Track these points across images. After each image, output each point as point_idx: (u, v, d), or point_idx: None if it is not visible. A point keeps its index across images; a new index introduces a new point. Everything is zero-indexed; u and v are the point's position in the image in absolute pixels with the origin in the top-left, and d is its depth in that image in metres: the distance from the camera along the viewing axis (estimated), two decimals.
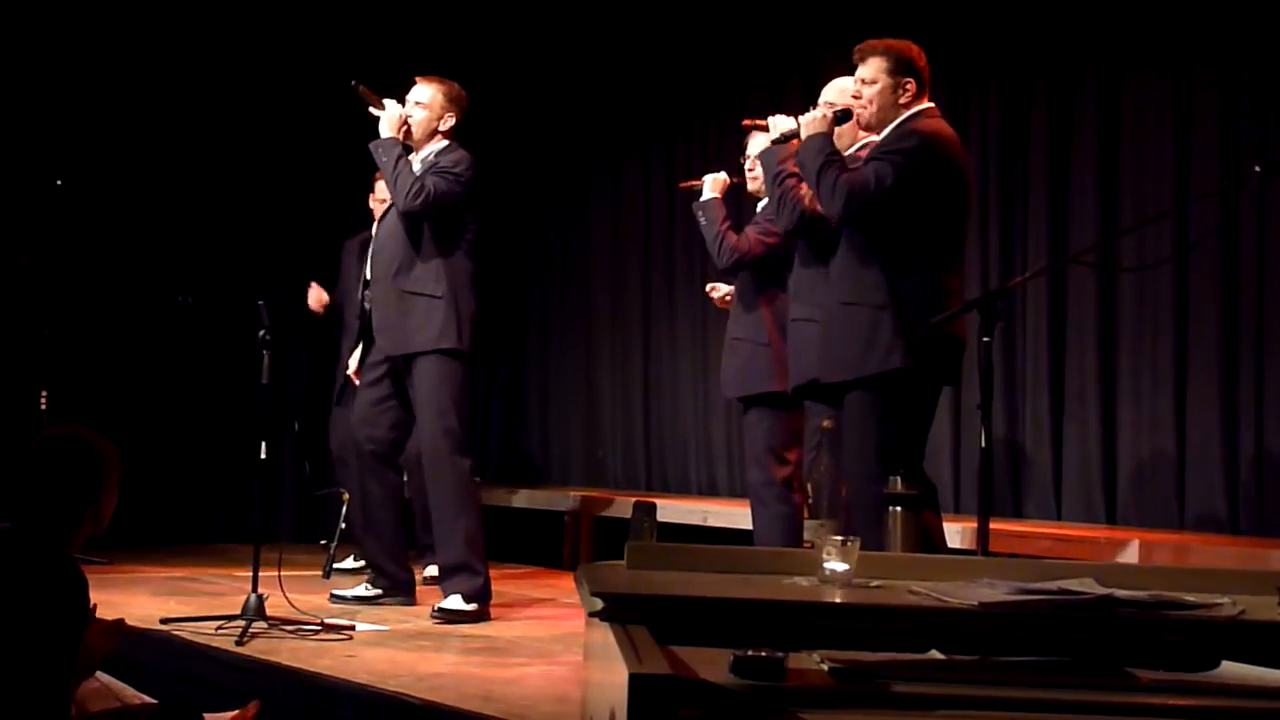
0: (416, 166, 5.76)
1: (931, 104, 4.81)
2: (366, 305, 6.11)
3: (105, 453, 3.41)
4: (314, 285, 7.55)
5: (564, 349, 9.43)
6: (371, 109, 5.79)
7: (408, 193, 5.63)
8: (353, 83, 5.78)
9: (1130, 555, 5.56)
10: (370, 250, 6.02)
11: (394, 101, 5.79)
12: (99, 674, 3.57)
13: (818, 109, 4.95)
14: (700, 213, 5.76)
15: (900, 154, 4.65)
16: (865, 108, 4.80)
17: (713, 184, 5.81)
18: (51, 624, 3.15)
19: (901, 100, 4.75)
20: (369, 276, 6.02)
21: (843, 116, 4.91)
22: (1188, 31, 6.48)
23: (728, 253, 5.64)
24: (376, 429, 5.92)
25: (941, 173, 4.68)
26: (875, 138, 5.05)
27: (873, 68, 4.78)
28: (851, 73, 5.10)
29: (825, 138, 4.82)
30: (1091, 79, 6.81)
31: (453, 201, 5.70)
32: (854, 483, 4.80)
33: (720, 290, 6.00)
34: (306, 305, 7.62)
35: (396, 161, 5.67)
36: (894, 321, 4.60)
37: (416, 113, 5.79)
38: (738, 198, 6.03)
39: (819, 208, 4.94)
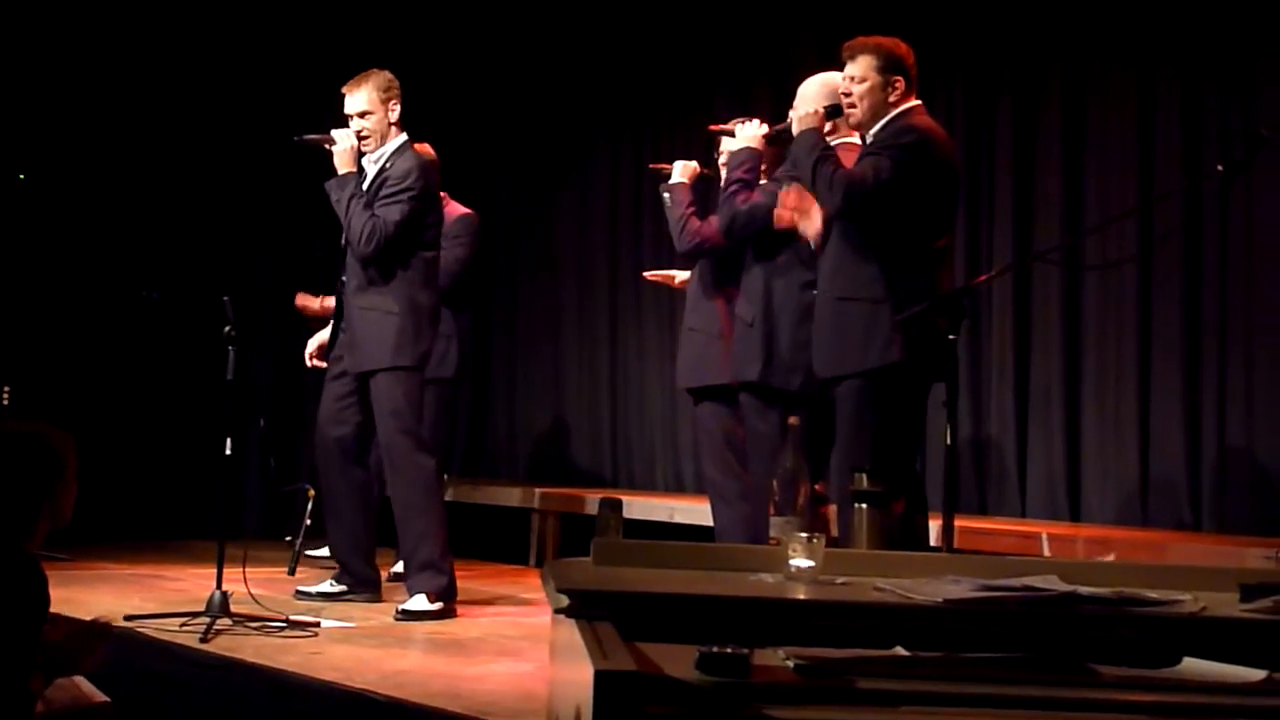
0: (374, 168, 5.76)
1: (919, 102, 4.82)
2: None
3: (60, 446, 3.38)
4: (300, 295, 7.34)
5: (530, 345, 9.42)
6: (325, 147, 5.79)
7: (360, 239, 5.66)
8: (295, 139, 5.83)
9: (1093, 552, 5.59)
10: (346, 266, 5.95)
11: (342, 131, 5.79)
12: None
13: (805, 107, 4.96)
14: (667, 195, 5.79)
15: (898, 149, 4.67)
16: (854, 105, 4.81)
17: (683, 169, 5.84)
18: (11, 621, 3.12)
19: (890, 98, 4.77)
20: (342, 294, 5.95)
21: (832, 112, 4.93)
22: (1152, 31, 6.51)
23: (689, 236, 5.67)
24: (341, 426, 5.91)
25: (936, 169, 4.71)
26: (851, 140, 5.07)
27: (862, 65, 4.79)
28: (820, 69, 5.12)
29: (817, 133, 4.84)
30: (1056, 78, 6.84)
31: (408, 223, 5.70)
32: (843, 476, 4.78)
33: (656, 274, 6.24)
34: (277, 304, 7.55)
35: (349, 204, 5.68)
36: (891, 316, 4.61)
37: (367, 123, 5.77)
38: (705, 190, 6.06)
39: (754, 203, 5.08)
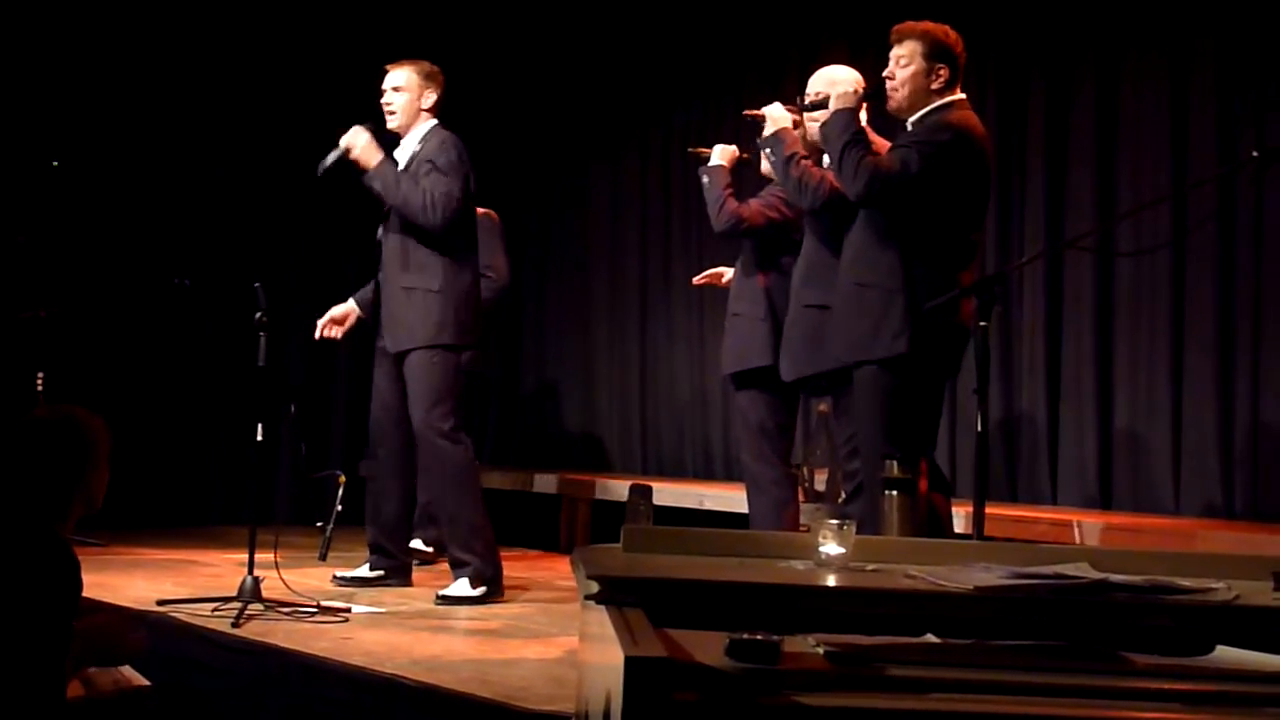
0: (406, 153, 5.78)
1: (963, 95, 4.78)
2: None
3: (92, 430, 3.40)
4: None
5: (561, 332, 9.43)
6: (348, 156, 5.79)
7: (423, 210, 5.65)
8: (319, 174, 5.82)
9: (1126, 540, 5.56)
10: (383, 246, 5.93)
11: (355, 128, 5.80)
12: None
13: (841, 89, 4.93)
14: (705, 176, 5.78)
15: (931, 145, 4.63)
16: (896, 89, 4.79)
17: (722, 153, 5.82)
18: (43, 606, 3.14)
19: (933, 86, 4.73)
20: (382, 272, 5.92)
21: (869, 95, 4.91)
22: (1186, 17, 6.47)
23: (727, 216, 5.64)
24: (386, 419, 5.95)
25: (969, 168, 4.67)
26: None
27: (908, 49, 4.76)
28: (850, 53, 5.10)
29: (852, 114, 4.81)
30: (1089, 62, 6.80)
31: (465, 194, 5.74)
32: (866, 464, 4.79)
33: (703, 277, 6.18)
34: (309, 290, 7.53)
35: (397, 184, 5.69)
36: (905, 306, 4.60)
37: (397, 98, 5.84)
38: (742, 175, 6.05)
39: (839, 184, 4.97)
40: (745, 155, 5.87)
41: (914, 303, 4.59)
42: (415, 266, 5.74)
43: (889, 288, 4.64)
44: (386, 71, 5.90)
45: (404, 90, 5.84)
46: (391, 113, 5.84)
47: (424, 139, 5.81)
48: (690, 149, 6.18)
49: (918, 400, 4.67)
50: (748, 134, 5.84)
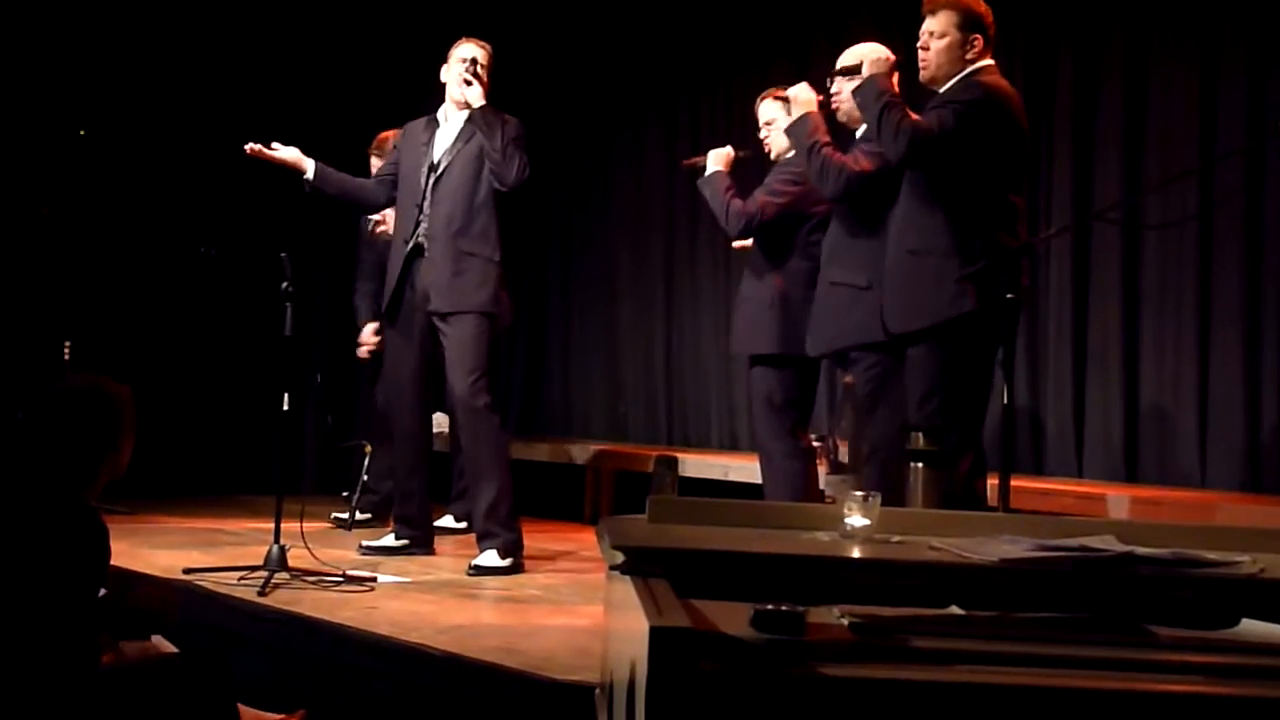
0: (456, 123, 5.85)
1: (992, 61, 4.78)
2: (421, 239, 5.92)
3: (119, 400, 3.43)
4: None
5: (586, 302, 9.43)
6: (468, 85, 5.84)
7: (516, 170, 5.73)
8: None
9: (1150, 513, 5.55)
10: (426, 210, 5.91)
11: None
12: None
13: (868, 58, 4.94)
14: (705, 189, 5.77)
15: (962, 103, 4.64)
16: (929, 61, 4.79)
17: (715, 158, 5.81)
18: (73, 572, 3.17)
19: (967, 55, 4.73)
20: (424, 234, 5.91)
21: (900, 68, 4.92)
22: None
23: (735, 218, 5.63)
24: (407, 387, 5.98)
25: (1001, 126, 4.65)
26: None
27: (942, 21, 4.76)
28: (878, 33, 5.08)
29: (886, 79, 4.80)
30: (1118, 34, 6.75)
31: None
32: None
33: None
34: (335, 260, 7.55)
35: (504, 137, 5.74)
36: (960, 268, 4.57)
37: (485, 74, 5.87)
38: (750, 166, 6.03)
39: (863, 168, 4.97)
40: (741, 154, 5.85)
41: (969, 265, 4.57)
42: (476, 234, 5.79)
43: (942, 251, 4.62)
44: (462, 41, 5.93)
45: (486, 69, 5.88)
46: (469, 82, 5.81)
47: (477, 114, 5.82)
48: (683, 162, 6.13)
49: (977, 367, 4.63)
50: (753, 125, 5.84)
